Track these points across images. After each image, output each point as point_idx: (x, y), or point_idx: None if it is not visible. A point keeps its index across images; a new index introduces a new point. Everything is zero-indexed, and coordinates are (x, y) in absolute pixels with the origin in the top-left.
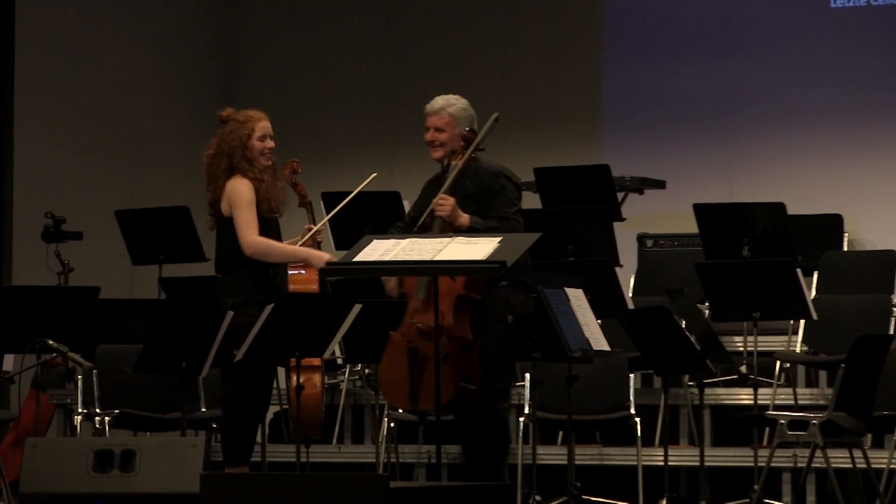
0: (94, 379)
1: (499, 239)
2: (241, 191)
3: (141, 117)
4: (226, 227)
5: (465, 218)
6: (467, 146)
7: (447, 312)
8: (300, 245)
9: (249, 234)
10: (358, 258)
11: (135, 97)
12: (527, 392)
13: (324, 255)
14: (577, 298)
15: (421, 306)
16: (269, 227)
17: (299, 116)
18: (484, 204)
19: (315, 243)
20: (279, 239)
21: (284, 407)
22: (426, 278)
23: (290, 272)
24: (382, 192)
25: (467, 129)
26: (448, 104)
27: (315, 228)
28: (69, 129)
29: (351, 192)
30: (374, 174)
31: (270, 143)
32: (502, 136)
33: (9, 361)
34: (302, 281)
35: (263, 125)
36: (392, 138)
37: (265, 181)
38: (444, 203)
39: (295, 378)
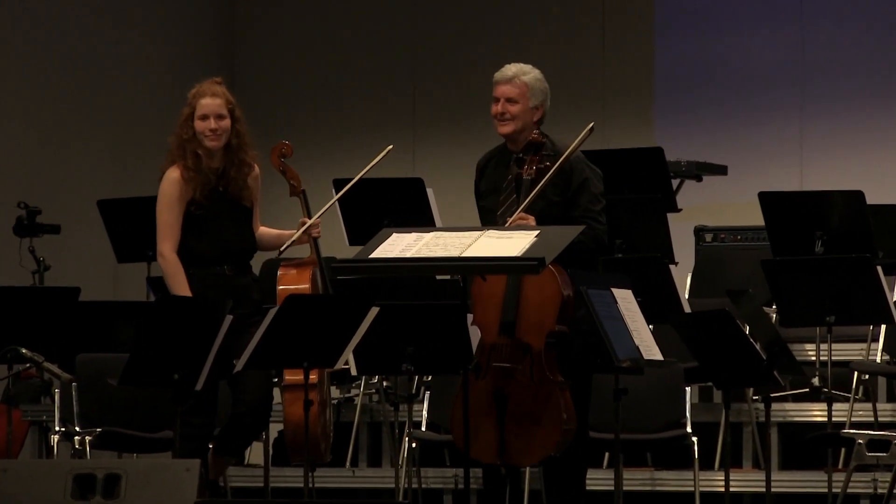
0: (74, 392)
1: (536, 232)
2: (163, 187)
3: (128, 95)
4: None
5: None
6: (545, 155)
7: (539, 354)
8: (296, 238)
9: (162, 244)
10: (375, 254)
11: (121, 72)
12: None
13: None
14: (626, 300)
15: (501, 343)
16: (203, 224)
17: (308, 95)
18: (565, 196)
19: (311, 240)
20: (237, 234)
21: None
22: (507, 308)
23: (279, 271)
24: (403, 178)
25: (536, 132)
26: (522, 72)
27: (310, 222)
28: (45, 108)
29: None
30: (390, 146)
31: (212, 124)
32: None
33: None
34: (291, 281)
35: (206, 103)
36: (413, 118)
37: (197, 170)
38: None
39: (287, 397)
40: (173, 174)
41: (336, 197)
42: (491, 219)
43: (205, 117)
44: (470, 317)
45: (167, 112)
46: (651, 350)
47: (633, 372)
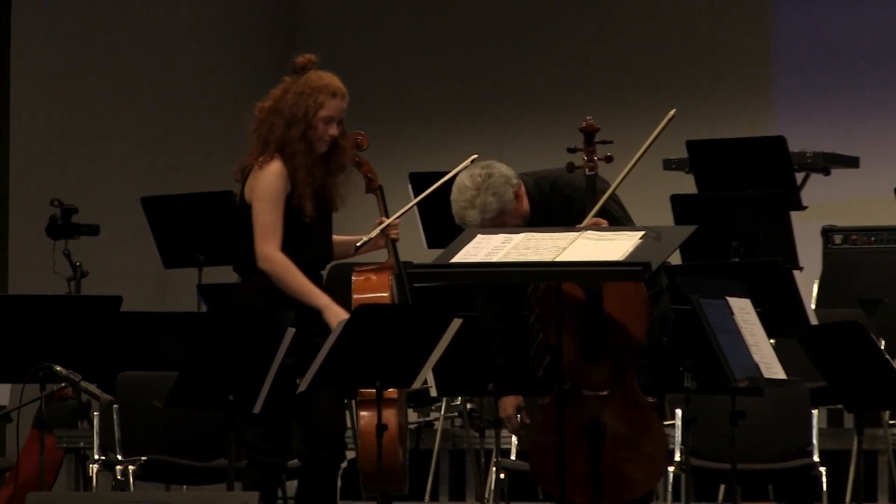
0: (115, 416)
1: (641, 233)
2: (267, 181)
3: (175, 80)
4: (249, 214)
5: None
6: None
7: (630, 374)
8: (372, 239)
9: (266, 244)
10: (457, 259)
11: (168, 55)
12: (677, 434)
13: (342, 314)
14: (744, 311)
15: (587, 366)
16: (302, 230)
17: (381, 80)
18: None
19: (389, 242)
20: (327, 243)
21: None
22: (591, 325)
23: (353, 277)
24: None
25: (515, 183)
26: (481, 212)
27: (388, 222)
28: (81, 95)
29: (444, 172)
30: (475, 156)
31: (334, 130)
32: (646, 101)
33: (4, 393)
34: (368, 288)
35: (335, 104)
36: (497, 106)
37: (312, 175)
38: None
39: (364, 415)
40: (279, 167)
41: (417, 199)
42: None
43: (330, 120)
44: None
45: (217, 100)
46: (772, 367)
47: (751, 393)
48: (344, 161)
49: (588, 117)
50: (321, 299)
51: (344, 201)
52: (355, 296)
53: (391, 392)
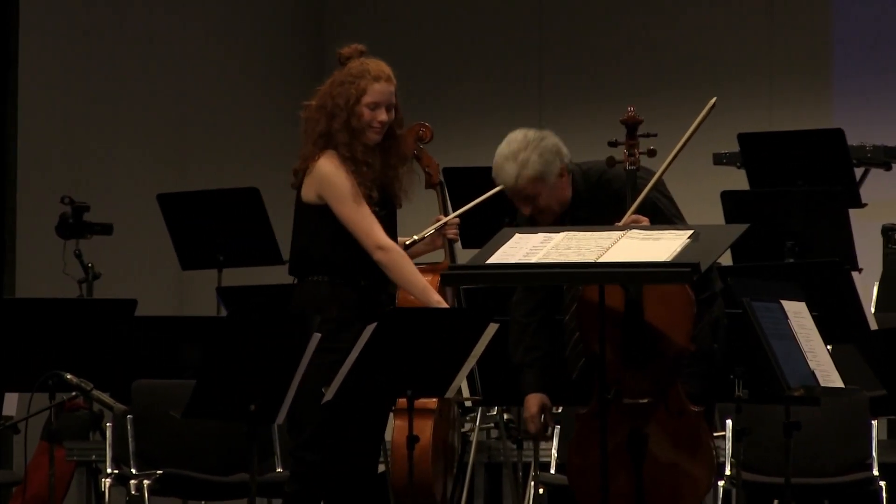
0: (129, 427)
1: (689, 232)
2: (336, 181)
3: (194, 70)
4: (306, 215)
5: None
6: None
7: (675, 381)
8: (428, 236)
9: (376, 233)
10: (492, 259)
11: (187, 44)
12: (728, 446)
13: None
14: (799, 315)
15: (629, 373)
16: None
17: (414, 74)
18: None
19: (447, 242)
20: (394, 237)
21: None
22: (633, 329)
23: None
24: None
25: (566, 162)
26: (518, 171)
27: (446, 220)
28: (93, 84)
29: (481, 168)
30: None
31: (383, 116)
32: (696, 93)
33: (12, 402)
34: None
35: (379, 88)
36: (538, 96)
37: (367, 164)
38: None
39: (398, 425)
40: (334, 161)
41: (483, 197)
42: None
43: (376, 106)
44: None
45: (240, 93)
46: (829, 375)
47: (807, 402)
48: (404, 152)
49: (630, 108)
50: (434, 295)
51: (408, 196)
52: (411, 297)
53: (429, 402)
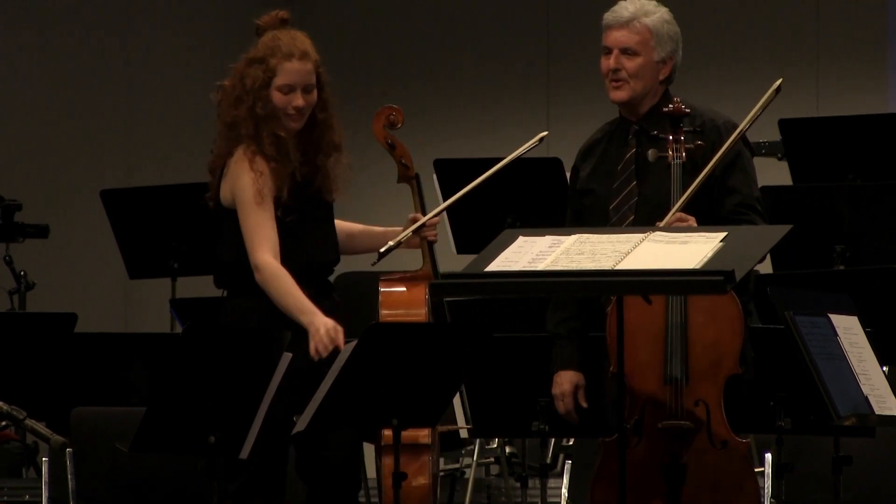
0: (68, 461)
1: (722, 235)
2: (238, 182)
3: (142, 56)
4: (228, 220)
5: None
6: (691, 132)
7: (718, 407)
8: (403, 239)
9: (259, 252)
10: (492, 267)
11: (133, 27)
12: (767, 484)
13: (329, 325)
14: (850, 331)
15: (667, 394)
16: (284, 229)
17: (403, 58)
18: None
19: (425, 245)
20: (325, 242)
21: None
22: (673, 346)
23: (381, 289)
24: (533, 158)
25: (677, 100)
26: (643, 11)
27: (424, 219)
28: (28, 71)
29: (475, 160)
30: (545, 133)
31: (298, 100)
32: (737, 76)
33: None
34: (401, 303)
35: (292, 67)
36: (546, 84)
37: (276, 159)
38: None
39: (386, 464)
40: (242, 158)
41: (467, 189)
42: (595, 217)
43: (289, 89)
44: None
45: (195, 81)
46: (885, 402)
47: (859, 433)
48: (333, 139)
49: (676, 98)
50: (307, 314)
51: (340, 190)
52: (384, 311)
53: (420, 434)
